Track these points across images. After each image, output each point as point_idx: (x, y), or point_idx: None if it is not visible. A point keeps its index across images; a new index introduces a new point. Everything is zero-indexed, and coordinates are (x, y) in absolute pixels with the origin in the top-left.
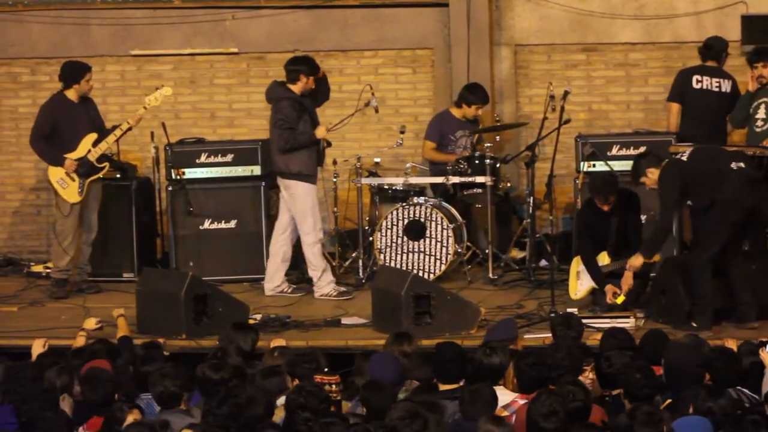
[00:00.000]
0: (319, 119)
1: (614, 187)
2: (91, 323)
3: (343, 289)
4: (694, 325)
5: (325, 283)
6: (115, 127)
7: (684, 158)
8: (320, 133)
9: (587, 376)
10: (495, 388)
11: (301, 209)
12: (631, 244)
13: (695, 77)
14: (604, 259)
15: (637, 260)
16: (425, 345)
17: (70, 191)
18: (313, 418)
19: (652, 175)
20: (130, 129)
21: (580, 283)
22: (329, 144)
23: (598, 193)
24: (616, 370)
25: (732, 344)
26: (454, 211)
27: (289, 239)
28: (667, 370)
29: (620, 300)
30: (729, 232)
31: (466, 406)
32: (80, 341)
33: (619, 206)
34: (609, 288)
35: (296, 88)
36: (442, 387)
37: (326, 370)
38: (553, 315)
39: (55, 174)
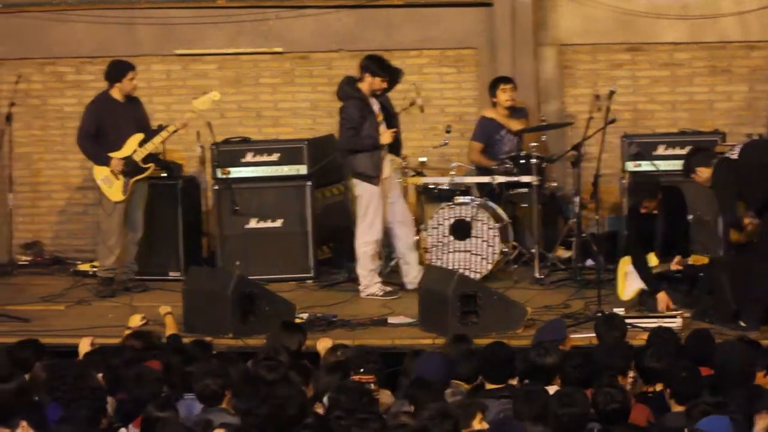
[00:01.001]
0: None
1: (652, 191)
2: (135, 320)
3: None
4: (743, 324)
5: (372, 283)
6: (161, 128)
7: (734, 155)
8: (385, 138)
9: (629, 375)
10: (547, 388)
11: (359, 208)
12: (678, 243)
13: None
14: (651, 260)
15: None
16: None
17: (114, 190)
18: (349, 415)
19: (702, 173)
20: (176, 132)
21: (628, 284)
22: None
23: (636, 198)
24: (661, 367)
25: None
26: (500, 210)
27: (395, 235)
28: (717, 370)
29: (631, 296)
30: None
31: (520, 405)
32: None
33: (665, 206)
34: (662, 298)
35: (363, 86)
36: (489, 386)
37: (362, 370)
38: (598, 315)
39: (100, 173)
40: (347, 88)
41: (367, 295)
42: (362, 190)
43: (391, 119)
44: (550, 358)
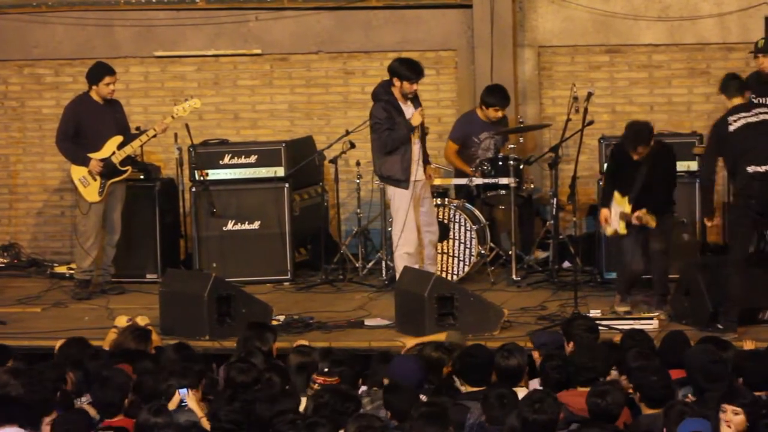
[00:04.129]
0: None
1: (644, 139)
2: (122, 321)
3: None
4: (720, 326)
5: None
6: (140, 132)
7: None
8: (416, 119)
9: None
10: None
11: (393, 211)
12: (655, 195)
13: None
14: (624, 205)
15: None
16: None
17: (91, 190)
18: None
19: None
20: (155, 136)
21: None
22: (352, 146)
23: (629, 142)
24: (632, 370)
25: (750, 345)
26: (477, 212)
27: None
28: (689, 372)
29: (609, 231)
30: (747, 229)
31: (493, 410)
32: (111, 337)
33: (651, 157)
34: (603, 213)
35: (394, 90)
36: (469, 389)
37: (326, 370)
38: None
39: (78, 172)
40: (379, 90)
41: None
42: (393, 194)
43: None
44: (514, 360)
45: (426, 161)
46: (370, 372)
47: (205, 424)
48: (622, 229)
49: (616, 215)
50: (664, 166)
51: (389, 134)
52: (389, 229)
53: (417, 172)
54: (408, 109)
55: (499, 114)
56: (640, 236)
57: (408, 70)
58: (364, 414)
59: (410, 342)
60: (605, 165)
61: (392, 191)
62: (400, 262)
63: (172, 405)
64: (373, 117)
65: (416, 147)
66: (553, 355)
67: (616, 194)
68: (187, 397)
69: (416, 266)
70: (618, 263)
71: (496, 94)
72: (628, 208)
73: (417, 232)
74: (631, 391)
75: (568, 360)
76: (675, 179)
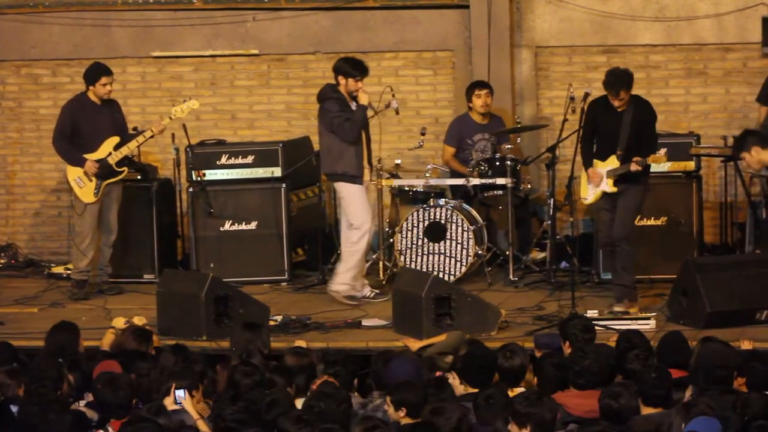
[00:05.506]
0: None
1: (627, 82)
2: (120, 322)
3: (356, 294)
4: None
5: (343, 282)
6: (137, 132)
7: None
8: (363, 98)
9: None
10: (515, 390)
11: (349, 209)
12: (643, 150)
13: None
14: (613, 162)
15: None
16: None
17: (86, 191)
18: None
19: (756, 154)
20: (152, 137)
21: (591, 188)
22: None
23: (610, 87)
24: (631, 370)
25: (747, 345)
26: (474, 212)
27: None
28: (694, 371)
29: (593, 198)
30: None
31: (481, 410)
32: (109, 338)
33: (633, 109)
34: (591, 172)
35: (341, 89)
36: (469, 389)
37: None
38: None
39: (74, 173)
40: (325, 90)
41: (331, 291)
42: (349, 191)
43: (367, 127)
44: (517, 360)
45: (368, 163)
46: (371, 372)
47: (201, 426)
48: (610, 186)
49: (601, 174)
50: (645, 116)
51: (350, 122)
52: (387, 230)
53: (366, 172)
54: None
55: (489, 100)
56: (613, 213)
57: (352, 67)
58: (370, 416)
59: (414, 345)
60: (583, 122)
61: (346, 189)
62: (350, 257)
63: (167, 405)
64: (327, 113)
65: (364, 145)
66: (552, 354)
67: (597, 161)
68: (183, 399)
69: (365, 264)
70: (607, 263)
71: (476, 82)
72: (616, 164)
73: (371, 232)
74: None
75: (566, 360)
76: (655, 130)
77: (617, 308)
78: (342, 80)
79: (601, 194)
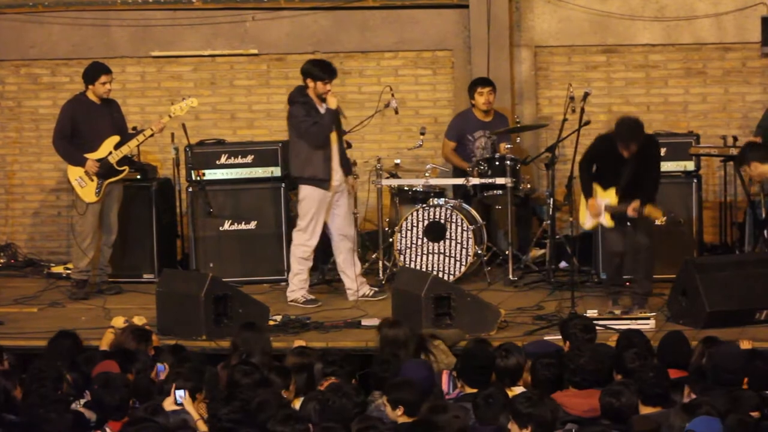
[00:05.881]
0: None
1: (638, 137)
2: (119, 321)
3: (312, 297)
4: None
5: (297, 288)
6: (137, 131)
7: None
8: (332, 102)
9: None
10: (514, 389)
11: (302, 210)
12: (644, 191)
13: None
14: (612, 197)
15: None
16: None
17: (88, 191)
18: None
19: (755, 168)
20: (152, 136)
21: (589, 216)
22: (349, 145)
23: (620, 139)
24: (630, 369)
25: (747, 345)
26: (474, 212)
27: (336, 247)
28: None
29: (590, 225)
30: None
31: (481, 410)
32: (108, 338)
33: (639, 151)
34: (591, 204)
35: (309, 92)
36: (469, 390)
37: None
38: (569, 317)
39: (75, 173)
40: (294, 93)
41: (290, 301)
42: (307, 193)
43: (340, 130)
44: (513, 359)
45: (348, 171)
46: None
47: (201, 426)
48: (608, 221)
49: (600, 207)
50: (651, 159)
51: (317, 127)
52: (387, 229)
53: (336, 176)
54: (322, 110)
55: (491, 98)
56: (622, 228)
57: (320, 70)
58: (368, 416)
59: None
60: (585, 153)
61: (307, 192)
62: (294, 260)
63: (166, 405)
64: (293, 117)
65: (335, 147)
66: (544, 355)
67: (598, 187)
68: (183, 399)
69: (309, 264)
70: (607, 267)
71: (479, 79)
72: (614, 200)
73: (318, 239)
74: None
75: (565, 360)
76: (660, 171)
77: (616, 310)
78: (310, 83)
79: (598, 224)
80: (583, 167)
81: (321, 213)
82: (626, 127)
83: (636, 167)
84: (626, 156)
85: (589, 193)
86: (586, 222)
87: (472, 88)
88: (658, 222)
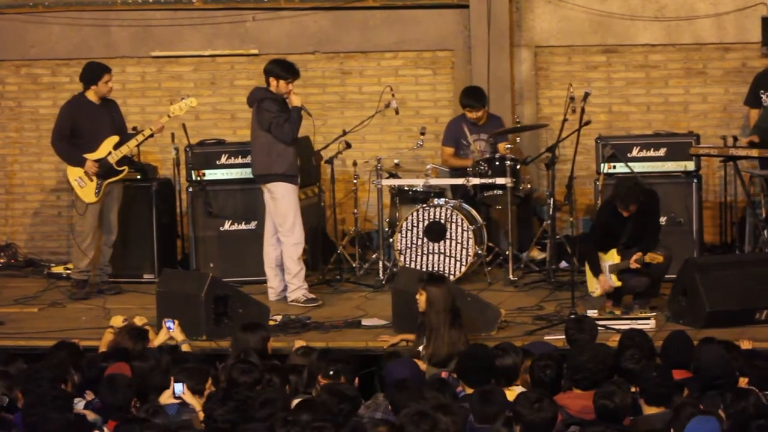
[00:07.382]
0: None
1: (637, 196)
2: (118, 321)
3: (312, 296)
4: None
5: (297, 287)
6: (137, 131)
7: None
8: (296, 100)
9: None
10: (512, 388)
11: (282, 210)
12: (644, 243)
13: None
14: (613, 257)
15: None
16: None
17: (87, 191)
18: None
19: None
20: (152, 136)
21: (598, 280)
22: (348, 146)
23: (620, 200)
24: (633, 368)
25: (747, 345)
26: (474, 212)
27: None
28: (698, 372)
29: (599, 293)
30: None
31: (477, 409)
32: (107, 338)
33: (639, 209)
34: (602, 280)
35: (272, 90)
36: (468, 390)
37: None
38: (570, 317)
39: (74, 173)
40: (259, 91)
41: (291, 301)
42: (285, 191)
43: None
44: (509, 359)
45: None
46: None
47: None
48: (615, 281)
49: (605, 271)
50: (651, 214)
51: (289, 123)
52: (387, 229)
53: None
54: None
55: (476, 114)
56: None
57: (283, 69)
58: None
59: (392, 339)
60: (592, 230)
61: (282, 190)
62: (291, 261)
63: (164, 398)
64: (266, 113)
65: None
66: (545, 354)
67: (600, 254)
68: (182, 393)
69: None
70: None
71: (469, 95)
72: (616, 259)
73: (303, 232)
74: (634, 389)
75: (565, 360)
76: (659, 223)
77: (617, 310)
78: (273, 82)
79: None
80: (595, 241)
81: (298, 208)
82: (625, 188)
83: (636, 224)
84: (626, 215)
85: (598, 270)
86: (596, 288)
87: (462, 104)
88: (655, 262)
